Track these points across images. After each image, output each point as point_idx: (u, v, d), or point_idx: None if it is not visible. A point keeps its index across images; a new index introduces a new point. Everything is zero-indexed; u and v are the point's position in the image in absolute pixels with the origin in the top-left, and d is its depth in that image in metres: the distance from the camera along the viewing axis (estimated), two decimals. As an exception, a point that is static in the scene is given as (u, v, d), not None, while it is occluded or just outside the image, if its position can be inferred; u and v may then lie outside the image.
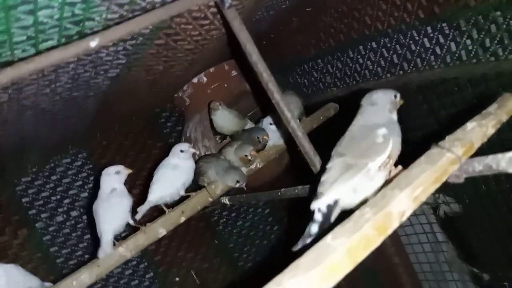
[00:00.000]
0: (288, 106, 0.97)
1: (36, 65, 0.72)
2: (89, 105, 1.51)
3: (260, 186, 1.93)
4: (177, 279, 2.25)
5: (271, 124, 1.72)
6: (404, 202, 0.61)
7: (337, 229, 0.58)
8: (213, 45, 1.42)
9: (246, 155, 1.52)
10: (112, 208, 1.34)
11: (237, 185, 1.49)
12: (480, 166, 0.68)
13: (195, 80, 2.03)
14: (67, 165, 2.08)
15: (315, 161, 0.99)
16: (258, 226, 2.56)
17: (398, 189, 0.62)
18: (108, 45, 0.98)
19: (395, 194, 0.61)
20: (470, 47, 1.48)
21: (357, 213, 0.61)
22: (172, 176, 1.47)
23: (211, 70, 2.02)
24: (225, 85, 2.05)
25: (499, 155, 0.65)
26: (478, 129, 0.74)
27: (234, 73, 2.08)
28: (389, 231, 0.58)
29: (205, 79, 2.03)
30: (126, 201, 1.37)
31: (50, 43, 0.92)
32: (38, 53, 0.90)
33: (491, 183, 1.80)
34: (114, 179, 1.39)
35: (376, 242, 0.56)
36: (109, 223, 1.32)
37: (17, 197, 1.97)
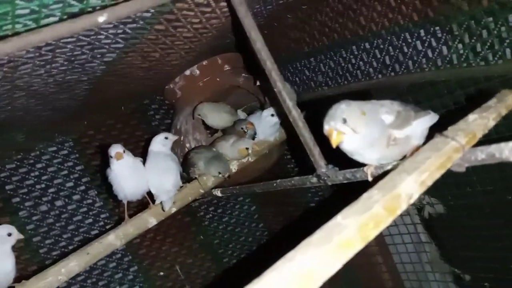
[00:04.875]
0: (290, 95, 0.97)
1: (42, 37, 0.70)
2: (80, 90, 1.49)
3: (246, 182, 1.92)
4: (161, 273, 2.22)
5: (272, 115, 1.73)
6: (411, 186, 0.62)
7: (346, 210, 0.59)
8: (212, 35, 1.41)
9: (247, 148, 1.52)
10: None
11: (220, 175, 1.50)
12: (483, 154, 0.69)
13: (187, 72, 2.00)
14: (53, 153, 2.03)
15: (315, 152, 0.99)
16: (243, 223, 2.56)
17: (405, 173, 0.63)
18: (114, 23, 0.97)
19: (402, 178, 0.62)
20: (461, 51, 1.52)
21: (364, 195, 0.62)
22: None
23: (204, 63, 1.99)
24: (217, 79, 2.03)
25: (502, 144, 0.67)
26: (480, 121, 0.76)
27: (226, 67, 2.06)
28: (398, 212, 0.59)
29: (197, 71, 2.00)
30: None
31: (51, 19, 0.90)
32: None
33: (476, 185, 1.85)
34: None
35: (386, 221, 0.57)
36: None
37: (0, 184, 1.92)
